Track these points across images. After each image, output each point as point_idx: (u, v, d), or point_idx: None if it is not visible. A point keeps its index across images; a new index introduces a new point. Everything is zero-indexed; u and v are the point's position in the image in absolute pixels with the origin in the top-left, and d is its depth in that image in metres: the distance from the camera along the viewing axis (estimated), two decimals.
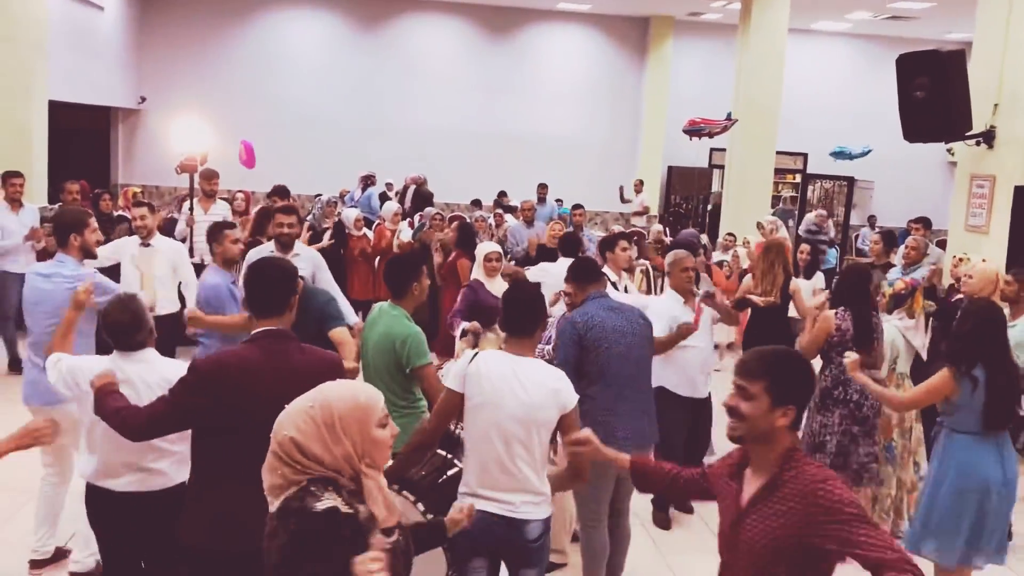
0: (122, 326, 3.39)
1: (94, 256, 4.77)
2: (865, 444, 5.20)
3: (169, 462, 3.40)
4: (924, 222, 8.77)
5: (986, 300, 4.58)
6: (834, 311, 5.20)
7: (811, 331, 5.23)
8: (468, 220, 9.11)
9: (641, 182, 16.31)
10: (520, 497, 3.25)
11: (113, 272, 5.96)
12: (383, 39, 17.40)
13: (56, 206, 8.82)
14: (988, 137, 7.29)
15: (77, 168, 11.73)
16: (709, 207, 17.71)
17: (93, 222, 4.72)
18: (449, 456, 3.72)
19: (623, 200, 15.98)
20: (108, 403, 3.07)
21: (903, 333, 5.63)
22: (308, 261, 5.67)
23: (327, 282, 5.80)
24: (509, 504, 3.26)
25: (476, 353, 3.43)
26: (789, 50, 13.09)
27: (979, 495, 4.05)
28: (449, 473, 3.66)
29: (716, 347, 7.24)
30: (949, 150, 15.01)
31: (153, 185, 16.10)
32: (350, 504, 2.02)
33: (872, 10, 15.57)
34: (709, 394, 5.69)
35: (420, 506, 3.42)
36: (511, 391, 3.25)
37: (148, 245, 6.40)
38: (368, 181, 14.49)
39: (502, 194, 15.21)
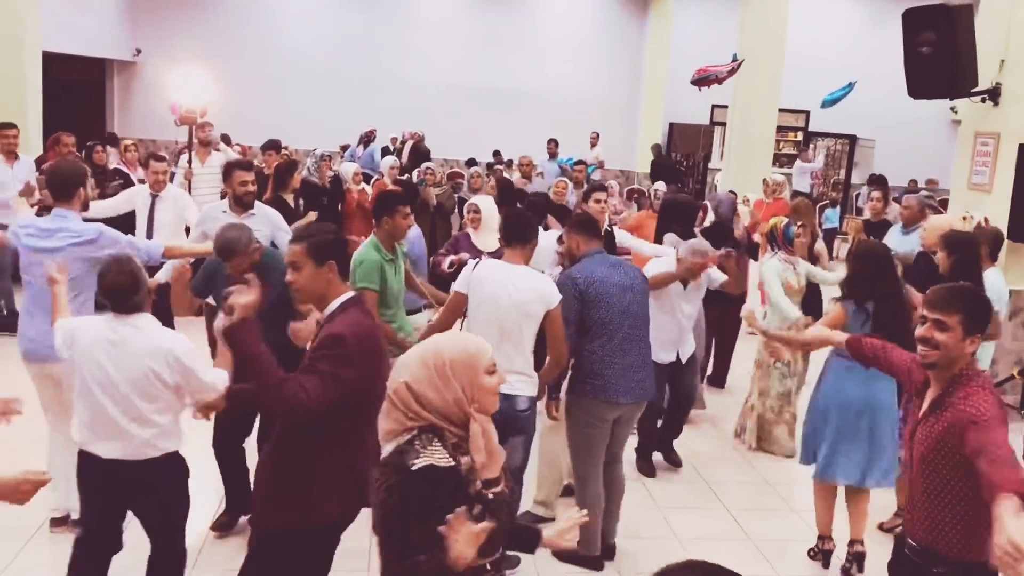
0: (120, 288, 3.28)
1: (87, 208, 4.78)
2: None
3: (154, 433, 3.29)
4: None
5: (874, 245, 5.08)
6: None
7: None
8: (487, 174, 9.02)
9: (597, 135, 15.82)
10: (512, 376, 3.86)
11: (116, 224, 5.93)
12: None
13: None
14: (993, 94, 7.19)
15: (72, 121, 11.60)
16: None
17: (90, 174, 4.72)
18: None
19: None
20: (263, 375, 2.76)
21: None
22: (265, 221, 5.44)
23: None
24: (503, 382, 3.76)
25: (479, 261, 4.12)
26: (792, 4, 12.88)
27: (839, 412, 4.47)
28: None
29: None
30: (952, 108, 14.84)
31: (150, 139, 15.94)
32: (453, 456, 2.11)
33: None
34: (693, 353, 5.76)
35: None
36: (504, 292, 3.97)
37: (158, 196, 6.70)
38: (369, 137, 14.37)
39: (495, 153, 15.09)
